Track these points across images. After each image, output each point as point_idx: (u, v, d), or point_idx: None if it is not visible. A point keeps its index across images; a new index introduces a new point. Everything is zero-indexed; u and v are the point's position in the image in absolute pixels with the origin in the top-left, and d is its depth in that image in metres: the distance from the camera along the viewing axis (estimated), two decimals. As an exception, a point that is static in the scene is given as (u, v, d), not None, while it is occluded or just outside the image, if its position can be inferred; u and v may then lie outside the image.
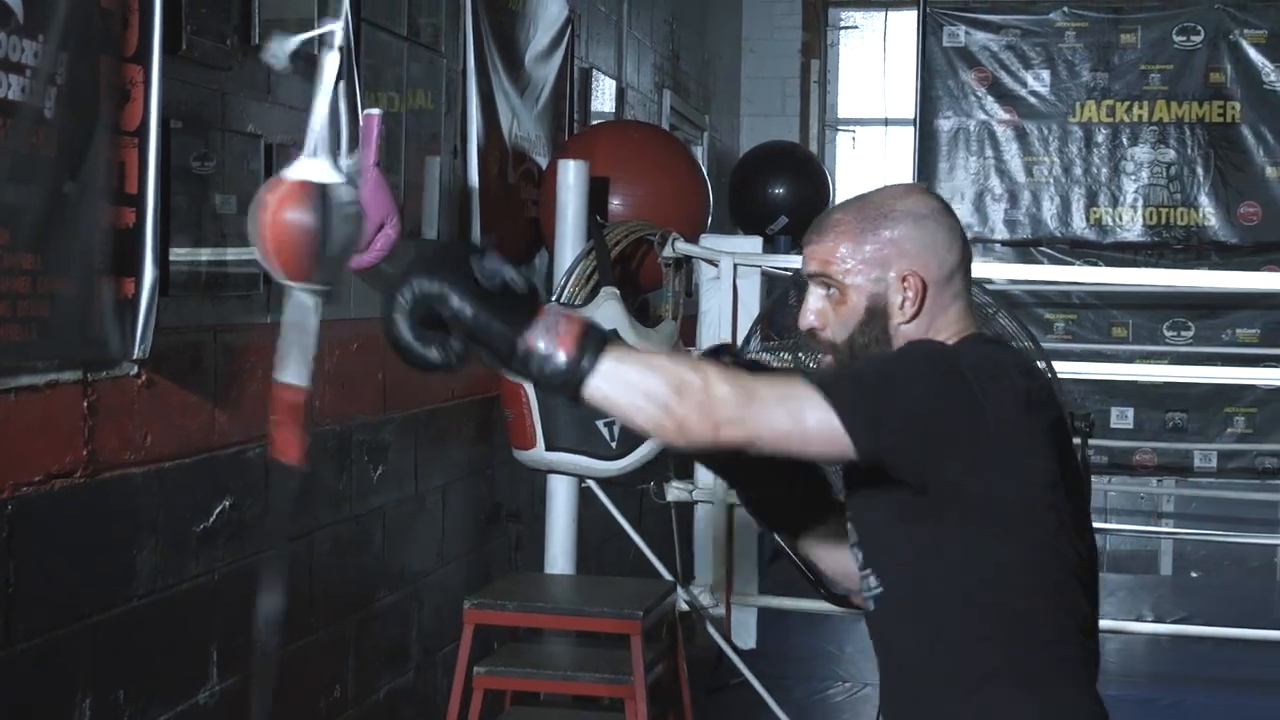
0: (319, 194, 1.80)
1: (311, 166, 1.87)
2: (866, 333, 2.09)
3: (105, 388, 2.75)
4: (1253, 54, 8.85)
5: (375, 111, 3.53)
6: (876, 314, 2.09)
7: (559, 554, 4.78)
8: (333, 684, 3.70)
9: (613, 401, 1.88)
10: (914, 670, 2.10)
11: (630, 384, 1.88)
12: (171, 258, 2.88)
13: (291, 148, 3.32)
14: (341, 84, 3.59)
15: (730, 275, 5.06)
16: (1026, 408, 2.01)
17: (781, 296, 4.23)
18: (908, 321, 2.10)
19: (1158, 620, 7.22)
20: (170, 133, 2.84)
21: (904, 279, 2.08)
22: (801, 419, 1.91)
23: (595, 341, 1.86)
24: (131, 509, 2.83)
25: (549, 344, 1.84)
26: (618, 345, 1.89)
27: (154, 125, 2.77)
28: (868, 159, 9.44)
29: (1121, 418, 8.84)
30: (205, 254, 3.04)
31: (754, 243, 5.31)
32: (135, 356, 2.77)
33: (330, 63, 1.95)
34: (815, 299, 2.12)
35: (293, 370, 1.97)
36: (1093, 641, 2.10)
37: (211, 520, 3.10)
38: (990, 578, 2.01)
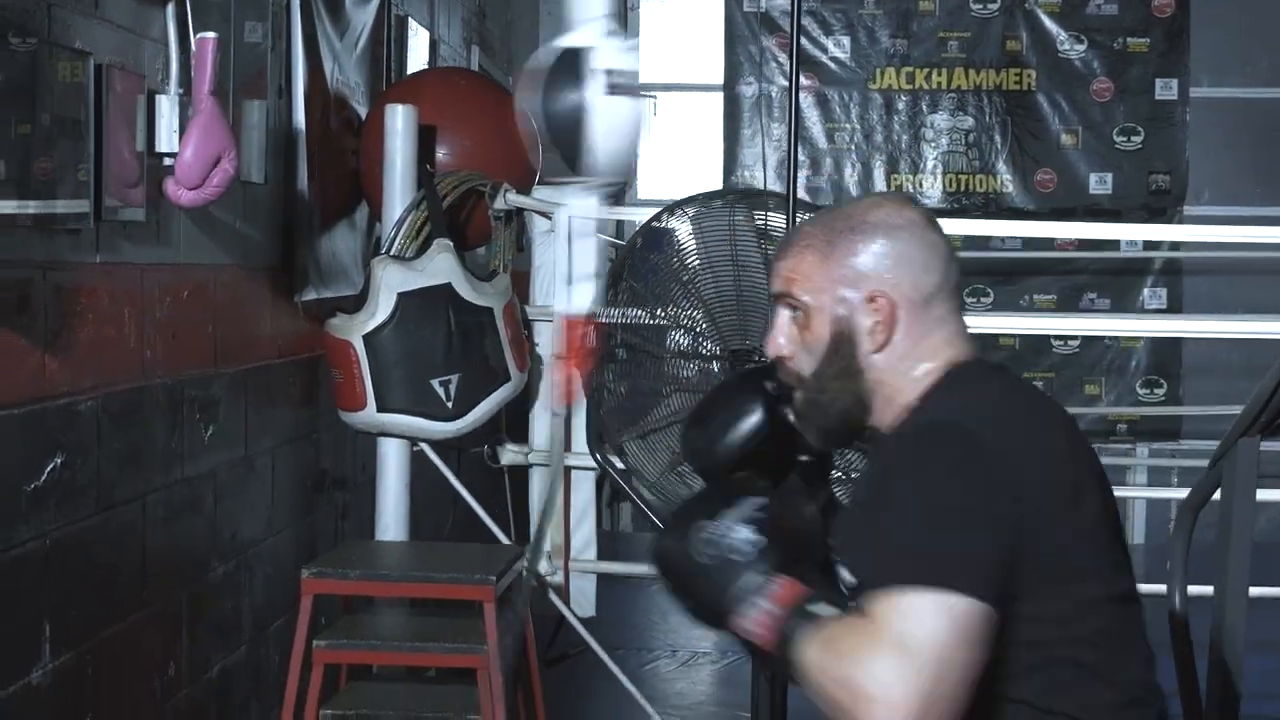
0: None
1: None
2: (833, 363, 1.88)
3: (-72, 326, 2.43)
4: (1047, 22, 8.93)
5: (209, 35, 3.23)
6: (843, 341, 1.88)
7: (391, 521, 4.52)
8: (166, 662, 3.40)
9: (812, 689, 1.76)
10: None
11: (818, 691, 1.73)
12: (-1, 181, 2.56)
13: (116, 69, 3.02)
14: (171, 6, 3.31)
15: (565, 229, 4.85)
16: (1035, 437, 1.82)
17: (634, 246, 4.03)
18: (877, 350, 1.88)
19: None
20: (-4, 41, 2.53)
21: (872, 300, 1.87)
22: (938, 632, 1.66)
23: (789, 635, 1.76)
24: (-41, 463, 2.51)
25: (751, 631, 1.80)
26: (808, 633, 1.74)
27: (-20, 30, 2.45)
28: (670, 125, 9.30)
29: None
30: (30, 181, 2.71)
31: (590, 194, 5.10)
32: (-39, 291, 2.45)
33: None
34: (781, 324, 1.93)
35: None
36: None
37: (43, 479, 2.78)
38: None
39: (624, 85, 2.10)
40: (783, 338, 1.92)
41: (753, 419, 1.97)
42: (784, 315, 1.92)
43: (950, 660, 1.65)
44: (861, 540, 1.82)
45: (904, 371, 1.88)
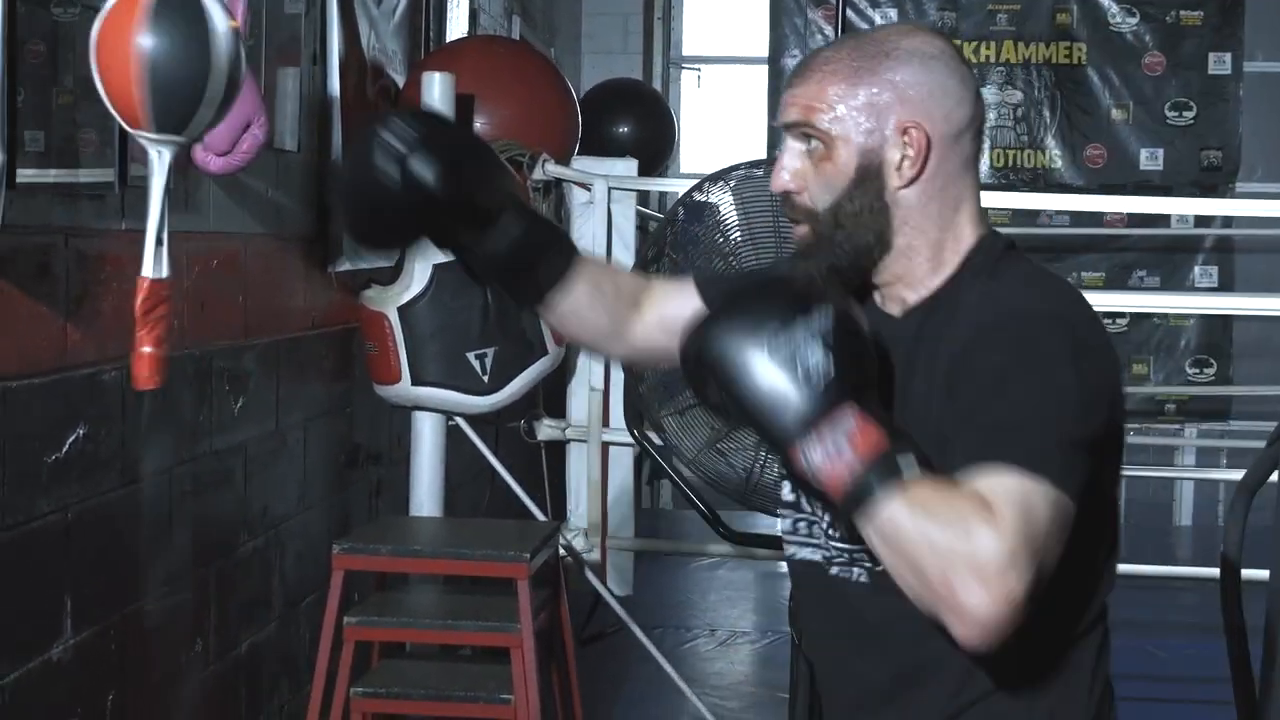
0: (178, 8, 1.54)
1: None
2: (856, 198, 1.72)
3: (-57, 292, 2.36)
4: (1099, -5, 8.79)
5: (239, -2, 3.16)
6: (869, 174, 1.72)
7: (425, 496, 4.45)
8: (194, 638, 3.33)
9: (888, 566, 1.56)
10: (908, 668, 1.76)
11: (899, 556, 1.53)
12: (26, 150, 2.49)
13: None
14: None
15: (604, 200, 4.77)
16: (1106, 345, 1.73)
17: (676, 217, 3.94)
18: (906, 185, 1.73)
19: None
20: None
21: (904, 131, 1.72)
22: (1051, 527, 1.55)
23: (868, 488, 1.52)
24: (-25, 434, 2.44)
25: (816, 470, 1.54)
26: (894, 490, 1.52)
27: (-3, -13, 2.37)
28: (714, 98, 9.19)
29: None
30: (54, 143, 2.64)
31: (629, 165, 5.02)
32: (-22, 257, 2.38)
33: None
34: (792, 155, 1.76)
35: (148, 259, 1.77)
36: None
37: (64, 451, 2.71)
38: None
39: None
40: (789, 173, 1.76)
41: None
42: (796, 147, 1.76)
43: (1052, 555, 1.54)
44: (961, 417, 1.63)
45: (933, 214, 1.76)
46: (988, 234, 1.80)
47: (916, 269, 1.78)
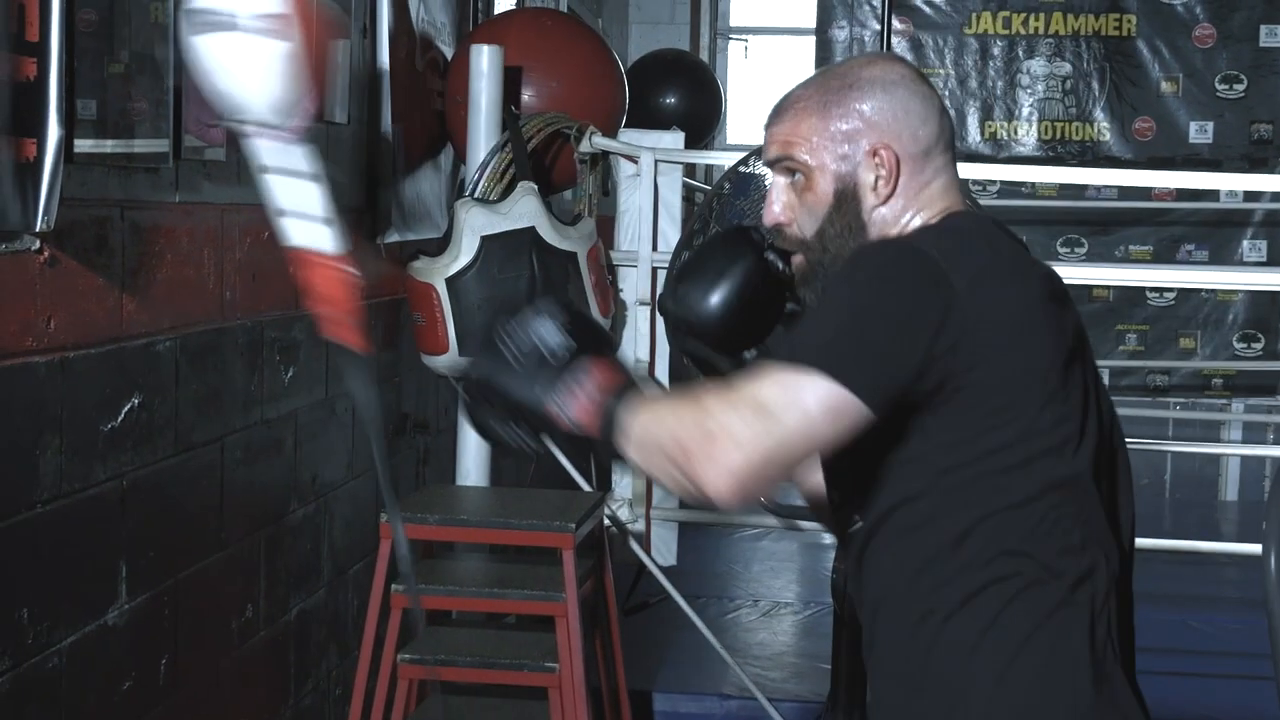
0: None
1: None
2: (837, 221, 1.88)
3: (4, 263, 2.40)
4: (1149, -34, 8.73)
5: (291, -28, 3.19)
6: (847, 197, 1.88)
7: (471, 466, 4.49)
8: (244, 604, 3.39)
9: (646, 471, 1.79)
10: (882, 606, 1.88)
11: (649, 451, 1.76)
12: (79, 118, 2.54)
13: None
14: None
15: (651, 172, 4.78)
16: (1009, 278, 1.79)
17: (722, 190, 3.96)
18: (882, 203, 1.88)
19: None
20: (74, -24, 2.49)
21: (875, 153, 1.87)
22: (806, 408, 1.69)
23: (614, 409, 1.77)
24: (34, 403, 2.49)
25: (572, 418, 1.79)
26: (636, 404, 1.77)
27: (57, -36, 2.41)
28: (761, 69, 9.18)
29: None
30: (109, 119, 2.68)
31: (676, 138, 5.04)
32: (37, 229, 2.42)
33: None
34: (779, 190, 1.93)
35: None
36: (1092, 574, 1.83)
37: (120, 419, 2.77)
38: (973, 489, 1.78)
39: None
40: (780, 204, 1.92)
41: (745, 265, 1.95)
42: (781, 181, 1.92)
43: (806, 433, 1.69)
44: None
45: (906, 223, 1.90)
46: (956, 211, 1.91)
47: None
